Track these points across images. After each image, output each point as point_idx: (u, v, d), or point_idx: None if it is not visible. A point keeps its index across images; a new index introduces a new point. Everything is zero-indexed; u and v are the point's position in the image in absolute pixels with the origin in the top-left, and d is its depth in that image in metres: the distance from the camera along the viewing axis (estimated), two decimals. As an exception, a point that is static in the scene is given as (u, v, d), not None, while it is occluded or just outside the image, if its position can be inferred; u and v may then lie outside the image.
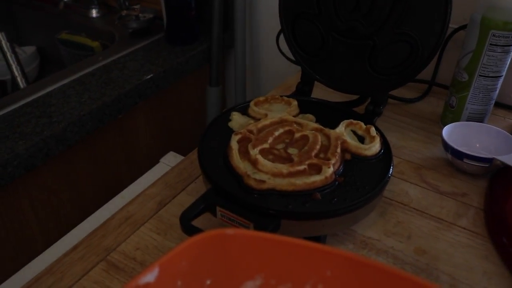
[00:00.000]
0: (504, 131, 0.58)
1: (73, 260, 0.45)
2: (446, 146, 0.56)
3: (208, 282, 0.31)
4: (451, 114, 0.65)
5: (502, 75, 0.60)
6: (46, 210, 0.75)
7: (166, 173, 0.57)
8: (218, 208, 0.43)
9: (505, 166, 0.53)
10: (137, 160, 0.90)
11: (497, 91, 0.62)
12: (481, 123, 0.61)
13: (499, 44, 0.57)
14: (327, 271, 0.30)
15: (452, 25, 0.72)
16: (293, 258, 0.30)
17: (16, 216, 0.71)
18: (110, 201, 0.65)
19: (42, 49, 1.22)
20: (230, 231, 0.30)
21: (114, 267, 0.44)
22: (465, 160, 0.54)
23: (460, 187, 0.56)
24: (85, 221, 0.61)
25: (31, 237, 0.74)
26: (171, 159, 0.74)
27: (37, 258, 0.54)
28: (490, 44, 0.57)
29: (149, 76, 0.83)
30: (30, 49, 1.18)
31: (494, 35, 0.56)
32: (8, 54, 0.92)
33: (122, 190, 0.66)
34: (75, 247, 0.46)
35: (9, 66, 0.93)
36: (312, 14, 0.58)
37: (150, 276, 0.27)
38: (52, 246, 0.56)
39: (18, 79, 0.94)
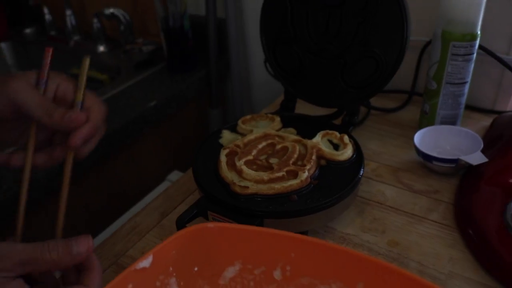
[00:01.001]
0: (472, 132, 0.63)
1: (88, 265, 0.51)
2: (418, 151, 0.62)
3: (196, 268, 0.37)
4: (426, 120, 0.70)
5: (467, 81, 0.66)
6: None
7: (168, 187, 0.64)
8: (209, 213, 0.49)
9: (469, 165, 0.58)
10: (146, 179, 0.97)
11: (465, 96, 0.67)
12: (450, 126, 0.66)
13: (460, 53, 0.63)
14: (291, 253, 0.36)
15: (425, 38, 0.78)
16: (264, 245, 0.36)
17: (38, 236, 0.78)
18: (121, 218, 0.72)
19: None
20: (210, 224, 0.37)
21: (123, 269, 0.50)
22: (434, 162, 0.60)
23: (433, 186, 0.61)
24: (99, 236, 0.68)
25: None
26: (175, 177, 0.82)
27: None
28: (452, 54, 0.63)
29: (153, 104, 0.91)
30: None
31: (454, 46, 0.63)
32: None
33: (131, 207, 0.74)
34: (89, 255, 0.53)
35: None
36: (289, 39, 0.65)
37: (145, 262, 0.34)
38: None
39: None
